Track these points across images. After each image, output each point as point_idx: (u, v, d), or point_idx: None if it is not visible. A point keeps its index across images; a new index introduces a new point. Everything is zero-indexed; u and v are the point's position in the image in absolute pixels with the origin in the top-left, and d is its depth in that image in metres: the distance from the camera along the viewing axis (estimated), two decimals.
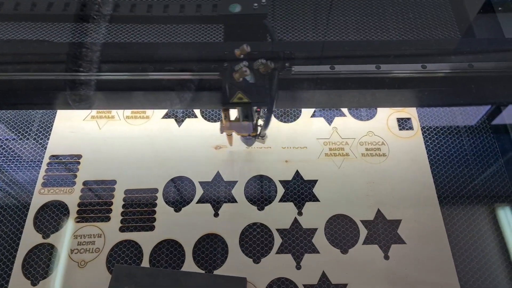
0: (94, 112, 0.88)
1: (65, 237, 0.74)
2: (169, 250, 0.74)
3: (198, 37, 0.80)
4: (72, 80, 0.59)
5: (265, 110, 0.61)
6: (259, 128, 0.68)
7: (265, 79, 0.56)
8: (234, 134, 0.73)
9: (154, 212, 0.77)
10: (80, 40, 0.61)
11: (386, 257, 0.72)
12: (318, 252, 0.73)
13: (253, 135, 0.70)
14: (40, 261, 0.73)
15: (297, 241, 0.74)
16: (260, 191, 0.79)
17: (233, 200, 0.78)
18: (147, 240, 0.74)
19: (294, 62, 0.58)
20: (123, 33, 0.85)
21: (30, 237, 0.74)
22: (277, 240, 0.74)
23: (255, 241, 0.74)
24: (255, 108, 0.62)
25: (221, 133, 0.68)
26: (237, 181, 0.80)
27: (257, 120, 0.66)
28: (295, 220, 0.76)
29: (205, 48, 0.65)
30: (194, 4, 0.71)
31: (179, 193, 0.79)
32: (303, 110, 0.88)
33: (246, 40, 0.56)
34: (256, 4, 0.65)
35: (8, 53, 0.62)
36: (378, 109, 0.88)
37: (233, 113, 0.65)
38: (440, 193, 0.78)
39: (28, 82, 0.61)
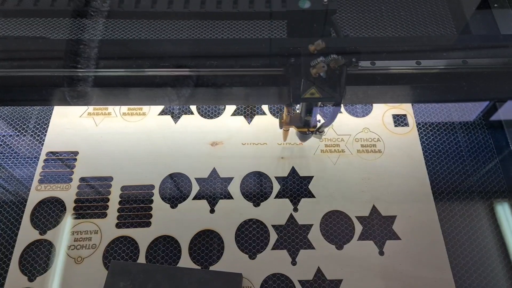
0: (90, 108, 0.88)
1: (62, 233, 0.75)
2: (165, 246, 0.74)
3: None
4: (72, 77, 0.59)
5: (332, 106, 0.61)
6: (317, 124, 0.69)
7: (335, 75, 0.56)
8: (291, 129, 0.73)
9: (151, 208, 0.77)
10: (82, 36, 0.61)
11: (381, 253, 0.73)
12: (313, 248, 0.73)
13: (311, 130, 0.70)
14: (37, 257, 0.73)
15: (293, 237, 0.74)
16: (256, 188, 0.80)
17: (229, 196, 0.78)
18: (143, 236, 0.74)
19: (361, 58, 0.58)
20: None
21: (27, 234, 0.75)
22: (273, 236, 0.74)
23: (251, 237, 0.75)
24: (319, 103, 0.62)
25: (280, 128, 0.69)
26: (233, 178, 0.80)
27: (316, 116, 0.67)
28: (291, 216, 0.76)
29: (265, 44, 0.64)
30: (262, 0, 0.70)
31: (175, 189, 0.79)
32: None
33: (309, 36, 0.56)
34: (326, 0, 0.64)
35: (4, 49, 0.62)
36: (374, 105, 0.88)
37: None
38: (435, 189, 0.78)
39: (24, 78, 0.61)
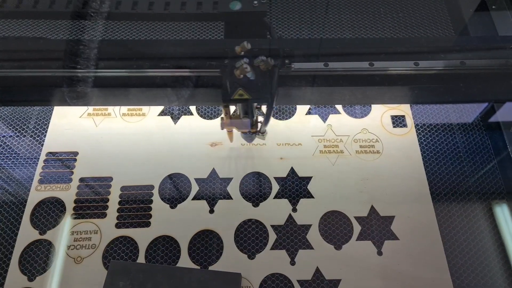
0: (90, 109, 0.88)
1: (62, 233, 0.75)
2: (164, 246, 0.74)
3: (198, 34, 0.81)
4: (71, 77, 0.59)
5: (266, 107, 0.62)
6: (259, 125, 0.69)
7: (265, 76, 0.56)
8: (234, 130, 0.74)
9: (150, 208, 0.77)
10: (77, 37, 0.61)
11: (380, 253, 0.73)
12: (312, 248, 0.74)
13: (253, 132, 0.70)
14: (37, 257, 0.73)
15: (292, 237, 0.75)
16: (255, 188, 0.80)
17: (228, 196, 0.79)
18: (143, 236, 0.75)
19: (294, 59, 0.59)
20: (122, 30, 0.85)
21: (27, 233, 0.75)
22: (272, 236, 0.75)
23: (250, 237, 0.75)
24: (255, 104, 0.63)
25: (222, 129, 0.68)
26: (232, 178, 0.81)
27: (257, 117, 0.67)
28: (290, 217, 0.76)
29: (206, 45, 0.66)
30: (195, 2, 0.71)
31: (175, 189, 0.80)
32: (298, 107, 0.89)
33: (246, 38, 0.57)
34: (256, 2, 0.66)
35: (5, 50, 0.63)
36: (372, 106, 0.89)
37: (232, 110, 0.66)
38: (433, 189, 0.79)
39: (24, 78, 0.61)
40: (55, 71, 0.60)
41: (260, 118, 0.68)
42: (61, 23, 0.86)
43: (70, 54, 0.60)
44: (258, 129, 0.69)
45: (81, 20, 0.67)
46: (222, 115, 0.65)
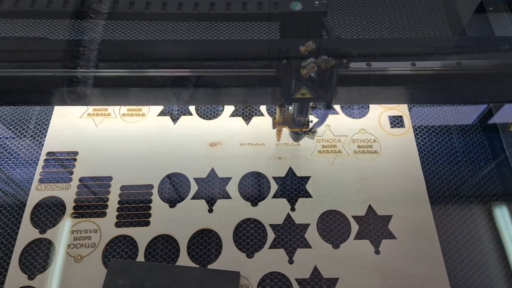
0: (90, 109, 0.89)
1: (62, 232, 0.76)
2: (164, 245, 0.75)
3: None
4: (72, 77, 0.60)
5: (323, 106, 0.63)
6: (310, 124, 0.70)
7: (325, 76, 0.57)
8: (284, 129, 0.74)
9: (150, 208, 0.78)
10: (81, 37, 0.62)
11: (377, 252, 0.73)
12: (310, 247, 0.74)
13: (304, 131, 0.71)
14: (37, 256, 0.74)
15: (290, 236, 0.75)
16: (254, 188, 0.80)
17: (227, 196, 0.79)
18: (142, 235, 0.75)
19: (353, 59, 0.59)
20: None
21: (27, 233, 0.75)
22: (270, 235, 0.75)
23: (249, 236, 0.75)
24: (311, 104, 0.63)
25: (273, 128, 0.70)
26: (231, 178, 0.81)
27: (308, 116, 0.68)
28: (288, 216, 0.77)
29: (258, 45, 0.65)
30: (254, 2, 0.72)
31: (174, 189, 0.80)
32: None
33: (301, 38, 0.57)
34: (317, 2, 0.65)
35: (5, 50, 0.63)
36: (370, 107, 0.89)
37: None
38: (430, 189, 0.79)
39: (25, 79, 0.62)
40: (55, 71, 0.61)
41: (311, 118, 0.69)
42: (61, 23, 0.86)
43: (69, 54, 0.60)
44: (309, 128, 0.69)
45: (83, 20, 0.67)
46: (276, 114, 0.65)
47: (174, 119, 0.88)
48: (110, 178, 0.81)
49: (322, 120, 0.65)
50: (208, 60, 0.59)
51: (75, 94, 0.60)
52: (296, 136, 0.75)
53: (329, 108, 0.59)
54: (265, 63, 0.59)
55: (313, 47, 0.56)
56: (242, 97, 0.62)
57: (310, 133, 0.72)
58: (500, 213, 0.77)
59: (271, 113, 0.89)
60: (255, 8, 0.68)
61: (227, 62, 0.59)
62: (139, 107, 0.89)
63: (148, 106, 0.89)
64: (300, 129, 0.69)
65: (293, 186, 0.80)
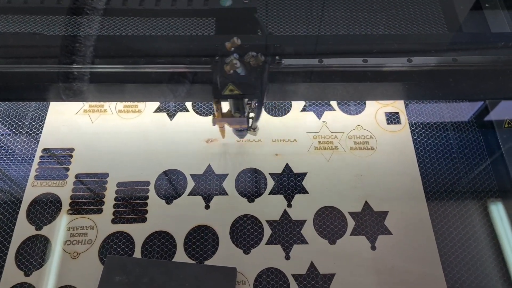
0: (86, 106, 0.89)
1: (58, 229, 0.75)
2: (160, 241, 0.75)
3: (189, 30, 0.81)
4: (67, 73, 0.60)
5: (256, 102, 0.63)
6: (250, 121, 0.69)
7: (256, 72, 0.57)
8: (226, 126, 0.74)
9: (146, 204, 0.78)
10: (72, 33, 0.62)
11: (373, 248, 0.74)
12: (307, 243, 0.74)
13: (244, 127, 0.71)
14: (33, 253, 0.73)
15: (287, 232, 0.75)
16: (251, 184, 0.81)
17: (224, 192, 0.79)
18: (139, 232, 0.75)
19: (284, 56, 0.60)
20: (114, 26, 0.86)
21: (23, 229, 0.75)
22: (267, 232, 0.75)
23: (245, 232, 0.76)
24: (246, 100, 0.63)
25: (213, 125, 0.69)
26: (228, 174, 0.81)
27: (248, 113, 0.67)
28: (285, 212, 0.77)
29: (197, 41, 0.66)
30: None
31: (170, 185, 0.80)
32: (293, 104, 0.89)
33: (238, 34, 0.57)
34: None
35: (0, 45, 0.63)
36: (367, 104, 0.89)
37: (225, 106, 0.66)
38: (426, 185, 0.80)
39: (20, 74, 0.62)
40: (50, 67, 0.61)
41: (252, 114, 0.68)
42: (56, 19, 0.86)
43: (65, 50, 0.60)
44: (250, 125, 0.69)
45: (78, 16, 0.67)
46: (214, 111, 0.65)
47: (171, 116, 0.88)
48: (106, 175, 0.81)
49: (257, 116, 0.64)
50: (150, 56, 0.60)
51: (71, 90, 0.60)
52: (239, 133, 0.75)
53: (260, 104, 0.59)
54: (201, 60, 0.60)
55: (238, 43, 0.56)
56: (182, 93, 0.62)
57: (251, 129, 0.72)
58: (495, 209, 0.78)
59: (268, 109, 0.89)
60: (185, 5, 0.69)
61: (162, 58, 0.60)
62: (136, 103, 0.89)
63: (144, 103, 0.89)
64: (240, 125, 0.69)
65: (290, 183, 0.80)
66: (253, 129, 0.71)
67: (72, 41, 0.61)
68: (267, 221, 0.76)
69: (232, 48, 0.57)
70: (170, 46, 0.65)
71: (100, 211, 0.77)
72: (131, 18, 0.83)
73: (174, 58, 0.60)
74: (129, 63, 0.60)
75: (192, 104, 0.90)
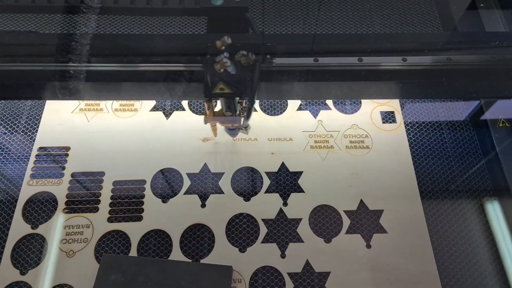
0: (82, 104, 0.88)
1: (54, 227, 0.75)
2: (156, 240, 0.75)
3: (182, 29, 0.81)
4: (60, 71, 0.60)
5: (247, 101, 0.63)
6: (242, 120, 0.70)
7: (247, 71, 0.57)
8: (218, 125, 0.74)
9: (142, 203, 0.78)
10: (67, 31, 0.62)
11: (368, 246, 0.74)
12: (302, 241, 0.75)
13: (236, 126, 0.71)
14: (29, 251, 0.73)
15: (282, 231, 0.76)
16: (247, 183, 0.81)
17: (220, 191, 0.79)
18: (135, 230, 0.75)
19: (276, 54, 0.60)
20: (105, 24, 0.85)
21: (19, 228, 0.75)
22: (263, 230, 0.76)
23: (241, 230, 0.76)
24: (237, 99, 0.64)
25: (205, 124, 0.69)
26: (224, 173, 0.81)
27: (240, 112, 0.68)
28: (280, 211, 0.77)
29: (189, 40, 0.66)
30: None
31: (166, 184, 0.80)
32: (289, 103, 0.90)
33: (229, 32, 0.58)
34: None
35: None
36: (362, 103, 0.90)
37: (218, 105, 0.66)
38: (421, 184, 0.80)
39: (16, 73, 0.62)
40: (46, 65, 0.61)
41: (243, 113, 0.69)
42: (51, 18, 0.86)
43: (60, 48, 0.60)
44: (241, 123, 0.70)
45: (74, 15, 0.67)
46: (205, 110, 0.66)
47: (167, 114, 0.88)
48: (102, 174, 0.81)
49: (248, 115, 0.64)
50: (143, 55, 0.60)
51: (66, 89, 0.60)
52: (231, 132, 0.75)
53: (251, 103, 0.59)
54: (192, 59, 0.60)
55: (229, 42, 0.56)
56: (172, 91, 0.63)
57: (243, 128, 0.72)
58: (490, 208, 0.78)
59: (264, 108, 0.89)
60: (177, 3, 0.70)
61: (156, 57, 0.60)
62: (132, 102, 0.89)
63: (140, 102, 0.89)
64: (231, 124, 0.69)
65: (286, 181, 0.81)
66: (245, 127, 0.71)
67: (67, 39, 0.61)
68: (263, 220, 0.77)
69: (223, 47, 0.57)
70: (163, 44, 0.65)
71: (96, 209, 0.77)
72: (123, 16, 0.83)
73: (168, 56, 0.60)
74: (124, 61, 0.60)
75: (188, 103, 0.90)
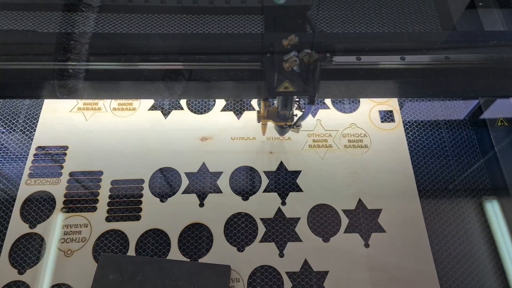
0: (80, 103, 0.88)
1: (52, 227, 0.75)
2: (155, 239, 0.75)
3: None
4: (59, 70, 0.59)
5: (307, 100, 0.62)
6: (294, 118, 0.70)
7: (308, 69, 0.57)
8: (268, 123, 0.74)
9: (140, 202, 0.78)
10: (66, 30, 0.61)
11: (367, 245, 0.74)
12: (300, 240, 0.75)
13: (288, 124, 0.71)
14: (27, 251, 0.73)
15: (281, 230, 0.76)
16: (245, 182, 0.81)
17: (218, 190, 0.79)
18: (133, 230, 0.75)
19: (336, 53, 0.59)
20: (106, 23, 0.85)
21: (17, 227, 0.75)
22: (261, 229, 0.76)
23: (240, 230, 0.76)
24: (295, 97, 0.63)
25: (258, 122, 0.69)
26: (222, 172, 0.81)
27: (293, 110, 0.68)
28: (279, 210, 0.77)
29: (244, 39, 0.65)
30: None
31: (165, 183, 0.80)
32: None
33: (286, 32, 0.57)
34: None
35: None
36: (361, 102, 0.90)
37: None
38: (420, 183, 0.80)
39: (14, 72, 0.61)
40: (44, 64, 0.60)
41: (296, 112, 0.69)
42: (49, 16, 0.85)
43: (59, 47, 0.60)
44: (294, 122, 0.70)
45: (72, 13, 0.67)
46: (260, 108, 0.65)
47: (165, 114, 0.88)
48: (100, 173, 0.81)
49: (305, 114, 0.65)
50: (194, 54, 0.59)
51: (65, 88, 0.60)
52: (281, 130, 0.75)
53: (312, 102, 0.59)
54: (250, 57, 0.59)
55: (296, 40, 0.56)
56: (228, 91, 0.62)
57: (294, 127, 0.72)
58: (488, 207, 0.78)
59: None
60: (239, 2, 0.69)
61: (213, 56, 0.59)
62: (130, 101, 0.89)
63: (139, 101, 0.89)
64: (285, 123, 0.69)
65: (284, 180, 0.81)
66: (297, 126, 0.71)
67: (66, 38, 0.60)
68: (261, 219, 0.77)
69: (289, 46, 0.57)
70: (218, 43, 0.64)
71: (94, 209, 0.77)
72: (133, 15, 0.82)
73: (215, 56, 0.59)
74: (122, 60, 0.60)
75: (186, 102, 0.90)
